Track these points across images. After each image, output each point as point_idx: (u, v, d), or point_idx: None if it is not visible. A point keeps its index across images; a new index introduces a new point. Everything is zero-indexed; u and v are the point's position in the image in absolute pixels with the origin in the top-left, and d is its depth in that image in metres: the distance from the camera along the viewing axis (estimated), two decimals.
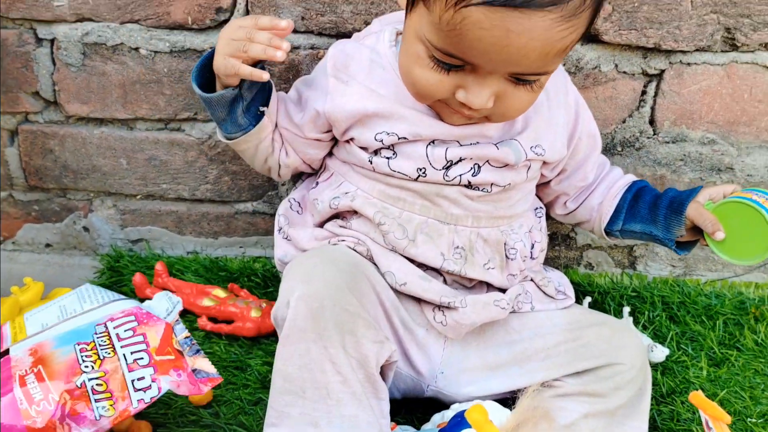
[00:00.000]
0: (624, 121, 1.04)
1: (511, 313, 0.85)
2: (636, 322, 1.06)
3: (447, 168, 0.79)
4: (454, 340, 0.84)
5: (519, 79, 0.70)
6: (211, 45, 1.02)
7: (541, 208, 0.94)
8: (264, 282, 1.12)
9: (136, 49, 1.03)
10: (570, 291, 0.92)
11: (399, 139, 0.79)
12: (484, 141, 0.79)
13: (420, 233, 0.82)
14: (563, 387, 0.81)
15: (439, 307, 0.82)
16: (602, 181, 0.93)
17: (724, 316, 1.08)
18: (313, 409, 0.71)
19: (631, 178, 0.93)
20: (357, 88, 0.80)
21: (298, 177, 1.00)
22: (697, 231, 0.86)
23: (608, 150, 1.06)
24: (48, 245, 1.22)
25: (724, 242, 0.82)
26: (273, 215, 1.16)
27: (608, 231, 0.93)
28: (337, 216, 0.87)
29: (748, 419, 0.89)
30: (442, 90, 0.72)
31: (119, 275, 1.14)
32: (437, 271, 0.84)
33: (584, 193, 0.93)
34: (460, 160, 0.79)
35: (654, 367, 0.97)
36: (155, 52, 1.03)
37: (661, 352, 0.98)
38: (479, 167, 0.80)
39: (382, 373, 0.78)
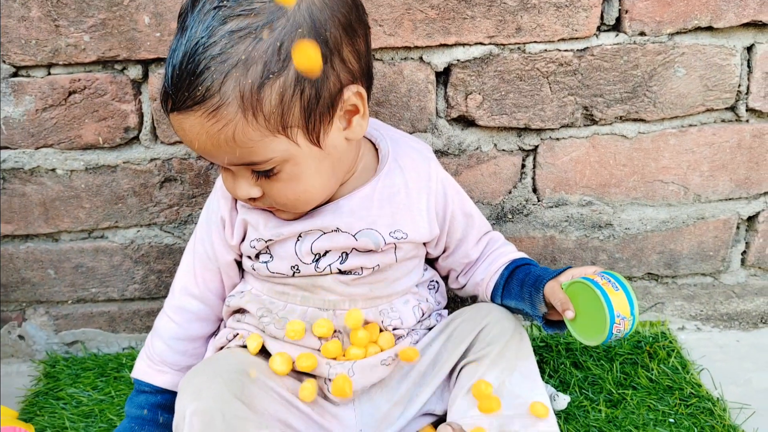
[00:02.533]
0: (510, 192, 1.15)
1: None
2: (542, 373, 1.15)
3: (316, 261, 0.89)
4: (361, 398, 0.92)
5: (255, 171, 0.79)
6: (124, 160, 1.10)
7: (437, 282, 1.03)
8: None
9: (53, 170, 1.10)
10: (444, 314, 1.03)
11: (266, 241, 0.89)
12: (344, 227, 0.88)
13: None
14: (455, 372, 0.93)
15: (330, 380, 0.90)
16: (487, 258, 1.02)
17: (621, 357, 1.18)
18: None
19: (514, 256, 1.01)
20: (240, 208, 0.91)
21: None
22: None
23: (500, 218, 1.17)
24: None
25: (577, 321, 0.87)
26: None
27: (495, 304, 1.01)
28: (236, 312, 0.97)
29: None
30: (230, 185, 0.83)
31: (55, 380, 1.18)
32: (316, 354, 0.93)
33: (471, 270, 1.03)
34: (327, 252, 0.89)
35: (558, 415, 1.06)
36: (71, 170, 1.10)
37: (563, 400, 1.07)
38: (347, 255, 0.89)
39: None
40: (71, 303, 1.22)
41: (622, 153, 1.12)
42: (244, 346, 0.92)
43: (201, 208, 1.14)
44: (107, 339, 1.25)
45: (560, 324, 0.95)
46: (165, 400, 0.96)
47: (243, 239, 0.92)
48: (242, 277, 0.99)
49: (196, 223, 1.14)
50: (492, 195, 1.15)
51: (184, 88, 0.72)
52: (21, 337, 1.25)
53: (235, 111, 0.73)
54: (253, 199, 0.83)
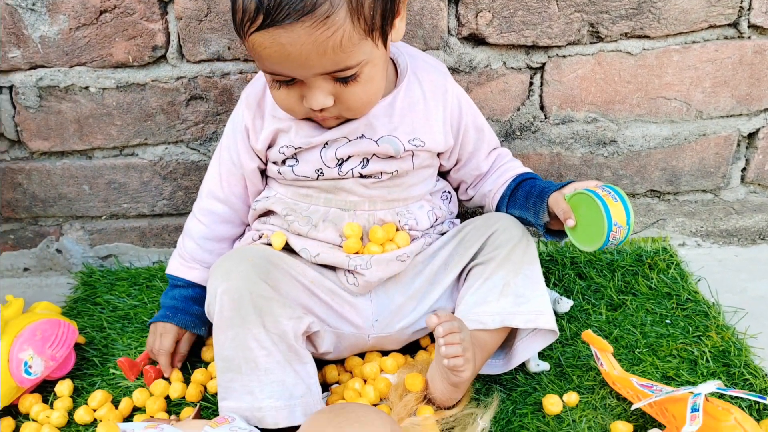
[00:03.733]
0: (518, 109, 1.20)
1: None
2: (547, 281, 1.22)
3: (340, 165, 0.95)
4: (378, 290, 1.00)
5: (338, 78, 0.84)
6: (152, 78, 1.16)
7: (449, 192, 1.10)
8: None
9: (86, 87, 1.17)
10: (456, 221, 1.09)
11: (296, 148, 0.95)
12: (368, 134, 0.94)
13: (323, 221, 0.98)
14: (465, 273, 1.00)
15: (349, 271, 0.97)
16: (495, 171, 1.08)
17: (623, 268, 1.24)
18: (249, 381, 0.87)
19: (520, 170, 1.08)
20: (268, 118, 0.97)
21: None
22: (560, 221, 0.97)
23: (509, 135, 1.22)
24: (26, 269, 1.35)
25: (577, 230, 0.94)
26: None
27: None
28: (262, 216, 1.05)
29: (636, 350, 1.06)
30: (292, 102, 0.88)
31: (92, 288, 1.27)
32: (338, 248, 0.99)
33: (480, 182, 1.09)
34: (349, 157, 0.95)
35: (561, 316, 1.13)
36: (103, 89, 1.17)
37: (566, 304, 1.14)
38: (368, 160, 0.96)
39: (312, 340, 0.95)
40: (105, 218, 1.30)
41: (626, 70, 1.16)
42: (269, 245, 1.00)
43: (225, 126, 1.20)
44: (138, 253, 1.34)
45: (560, 233, 1.02)
46: (196, 294, 1.05)
47: (270, 147, 0.99)
48: (265, 184, 1.06)
49: (220, 140, 1.21)
50: (501, 112, 1.20)
51: (287, 1, 0.75)
52: (59, 251, 1.34)
53: (344, 16, 0.77)
54: (317, 111, 0.87)
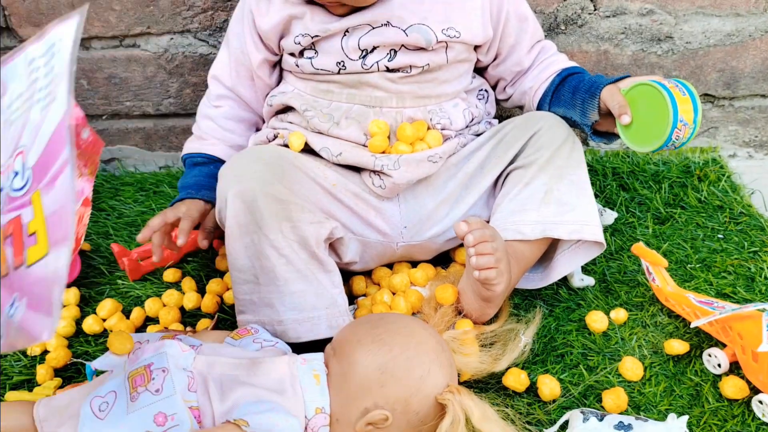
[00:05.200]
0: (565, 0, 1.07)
1: None
2: None
3: (363, 57, 0.84)
4: (407, 194, 0.90)
5: None
6: None
7: (486, 90, 0.98)
8: None
9: None
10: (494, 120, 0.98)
11: (313, 37, 0.84)
12: (395, 21, 0.83)
13: (345, 118, 0.88)
14: (503, 177, 0.90)
15: (375, 172, 0.87)
16: (538, 66, 0.97)
17: (670, 179, 1.15)
18: (268, 292, 0.79)
19: (566, 64, 0.96)
20: (277, 1, 0.86)
21: None
22: (614, 120, 0.87)
23: (552, 29, 1.10)
24: None
25: (631, 128, 0.83)
26: None
27: None
28: (279, 113, 0.94)
29: (688, 265, 0.98)
30: None
31: (95, 193, 1.18)
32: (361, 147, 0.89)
33: (520, 79, 0.98)
34: (375, 48, 0.84)
35: (605, 229, 1.05)
36: None
37: (610, 216, 1.06)
38: (395, 52, 0.85)
39: (335, 247, 0.86)
40: (106, 118, 1.20)
41: None
42: (285, 146, 0.89)
43: None
44: (144, 157, 1.24)
45: (607, 134, 0.92)
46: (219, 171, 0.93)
47: (283, 37, 0.88)
48: (280, 79, 0.95)
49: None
50: (546, 2, 1.07)
51: None
52: None
53: None
54: None
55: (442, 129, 0.90)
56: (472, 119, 0.94)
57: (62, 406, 0.65)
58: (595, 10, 1.08)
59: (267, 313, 0.80)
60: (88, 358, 0.89)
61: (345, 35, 0.84)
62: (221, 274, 1.00)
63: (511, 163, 0.90)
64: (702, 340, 0.86)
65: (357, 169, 0.89)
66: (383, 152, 0.87)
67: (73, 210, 0.44)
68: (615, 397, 0.78)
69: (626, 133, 0.85)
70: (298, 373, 0.64)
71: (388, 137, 0.88)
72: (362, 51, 0.85)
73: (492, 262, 0.76)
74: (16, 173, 0.46)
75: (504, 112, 1.13)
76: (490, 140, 0.92)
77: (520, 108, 1.02)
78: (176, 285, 0.99)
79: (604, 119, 0.89)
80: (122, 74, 1.14)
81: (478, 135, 0.95)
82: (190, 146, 0.98)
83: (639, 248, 0.90)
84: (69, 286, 0.98)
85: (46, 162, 0.45)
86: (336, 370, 0.65)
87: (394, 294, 0.92)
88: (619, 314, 0.90)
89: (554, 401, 0.79)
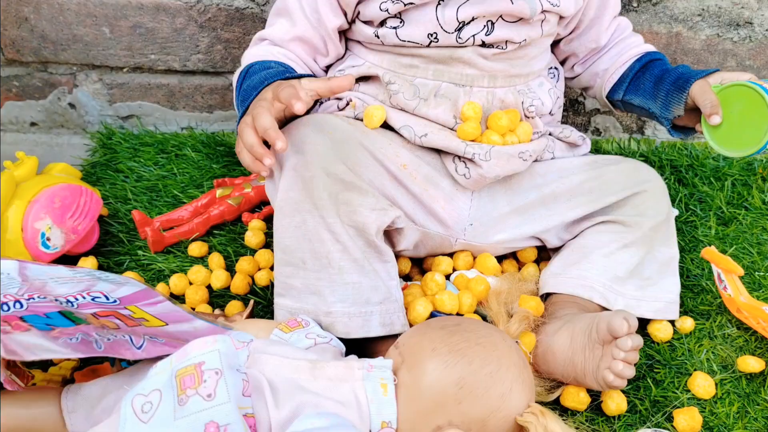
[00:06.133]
0: None
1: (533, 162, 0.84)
2: None
3: (459, 30, 0.75)
4: (482, 191, 0.82)
5: None
6: None
7: (555, 68, 0.90)
8: None
9: None
10: (587, 139, 0.90)
11: (406, 5, 0.74)
12: None
13: (434, 96, 0.79)
14: (592, 221, 0.82)
15: (461, 158, 0.79)
16: (614, 46, 0.88)
17: (731, 177, 1.07)
18: (317, 279, 0.71)
19: (647, 48, 0.88)
20: None
21: None
22: (696, 115, 0.81)
23: (624, 6, 1.01)
24: (33, 124, 1.16)
25: (719, 129, 0.76)
26: None
27: (610, 99, 0.90)
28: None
29: (756, 273, 0.91)
30: None
31: (113, 152, 1.09)
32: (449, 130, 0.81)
33: (593, 57, 0.89)
34: (473, 19, 0.75)
35: None
36: None
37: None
38: (493, 24, 0.76)
39: (390, 235, 0.78)
40: (127, 71, 1.10)
41: None
42: (358, 120, 0.80)
43: None
44: (165, 116, 1.14)
45: (685, 129, 0.84)
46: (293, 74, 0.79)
47: (360, 1, 0.77)
48: (345, 51, 0.85)
49: None
50: None
51: None
52: (72, 105, 1.14)
53: None
54: None
55: (535, 113, 0.82)
56: (557, 99, 0.86)
57: (93, 397, 0.58)
58: None
59: (313, 302, 0.72)
60: None
61: (440, 3, 0.74)
62: (252, 251, 0.92)
63: (604, 210, 0.82)
64: None
65: (437, 152, 0.80)
66: (473, 140, 0.78)
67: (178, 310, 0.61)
68: (689, 418, 0.71)
69: (713, 135, 0.77)
70: (364, 381, 0.56)
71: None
72: (460, 23, 0.75)
73: (632, 372, 0.68)
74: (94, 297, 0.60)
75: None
76: (586, 170, 0.84)
77: (585, 90, 0.94)
78: (202, 260, 0.91)
79: (688, 114, 0.81)
80: (148, 24, 1.04)
81: (563, 141, 0.87)
82: (253, 54, 0.81)
83: (710, 253, 0.83)
84: (86, 255, 0.90)
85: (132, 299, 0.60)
86: (406, 381, 0.58)
87: (448, 278, 0.84)
88: (686, 323, 0.83)
89: (619, 417, 0.73)
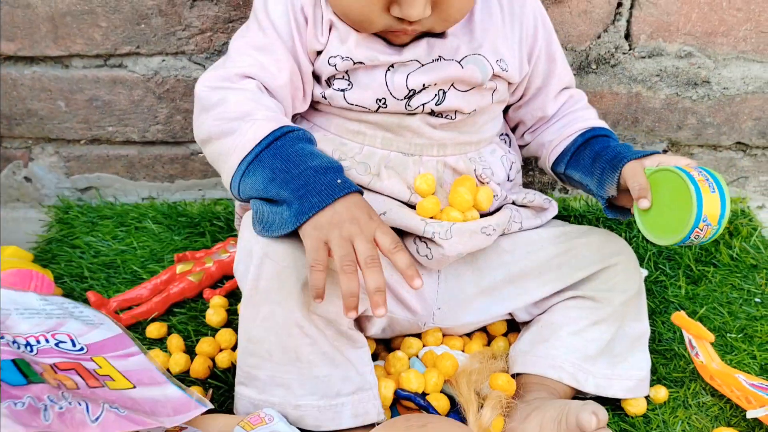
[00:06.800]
0: (599, 37, 0.99)
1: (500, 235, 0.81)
2: None
3: (409, 97, 0.73)
4: (448, 272, 0.80)
5: None
6: None
7: (507, 134, 0.88)
8: (227, 225, 1.06)
9: None
10: (553, 202, 0.88)
11: (355, 63, 0.71)
12: (447, 54, 0.73)
13: (384, 167, 0.76)
14: (561, 296, 0.80)
15: (422, 238, 0.76)
16: (562, 118, 0.86)
17: None
18: (284, 372, 0.68)
19: (593, 123, 0.85)
20: (326, 11, 0.72)
21: None
22: (632, 198, 0.77)
23: (583, 68, 1.01)
24: None
25: (649, 214, 0.73)
26: None
27: (554, 171, 0.88)
28: None
29: (728, 335, 0.90)
30: (375, 11, 0.66)
31: (70, 227, 1.06)
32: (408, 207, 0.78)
33: (541, 127, 0.87)
34: (423, 88, 0.73)
35: None
36: None
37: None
38: (444, 94, 0.74)
39: (360, 321, 0.75)
40: (85, 143, 1.07)
41: None
42: None
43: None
44: (125, 186, 1.12)
45: (623, 210, 0.81)
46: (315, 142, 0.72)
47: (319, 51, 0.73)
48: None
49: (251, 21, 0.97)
50: (578, 39, 0.99)
51: None
52: (27, 179, 1.11)
53: None
54: (407, 24, 0.67)
55: (489, 179, 0.79)
56: (510, 167, 0.83)
57: None
58: (630, 49, 1.00)
59: (280, 394, 0.68)
60: None
61: (390, 69, 0.72)
62: (213, 330, 0.89)
63: (574, 286, 0.80)
64: (753, 426, 0.77)
65: (399, 232, 0.76)
66: (433, 216, 0.75)
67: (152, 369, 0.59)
68: None
69: (642, 219, 0.75)
70: None
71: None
72: (410, 90, 0.73)
73: None
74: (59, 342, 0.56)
75: None
76: (554, 244, 0.82)
77: (535, 160, 0.93)
78: (161, 342, 0.88)
79: (623, 194, 0.78)
80: (105, 97, 1.02)
81: (527, 207, 0.84)
82: (264, 127, 0.67)
83: (680, 318, 0.82)
84: None
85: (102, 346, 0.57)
86: None
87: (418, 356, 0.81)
88: (659, 393, 0.81)
89: None
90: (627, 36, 0.99)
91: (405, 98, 0.73)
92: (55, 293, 0.91)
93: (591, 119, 0.86)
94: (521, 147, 0.91)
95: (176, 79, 1.01)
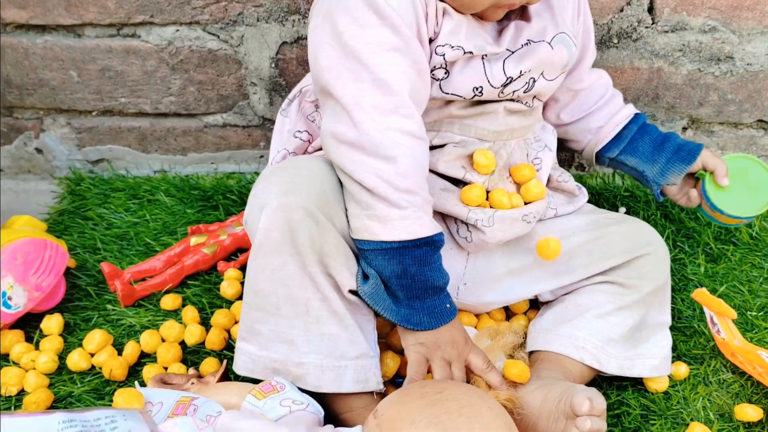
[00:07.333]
0: (622, 10, 0.97)
1: None
2: None
3: (505, 85, 0.72)
4: (479, 251, 0.79)
5: None
6: None
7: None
8: (240, 198, 1.05)
9: None
10: (583, 188, 0.88)
11: (465, 53, 0.69)
12: (535, 36, 0.72)
13: (452, 146, 0.75)
14: (590, 280, 0.80)
15: (466, 223, 0.75)
16: (605, 105, 0.87)
17: None
18: (290, 327, 0.67)
19: (633, 109, 0.88)
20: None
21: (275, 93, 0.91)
22: (684, 185, 0.86)
23: (604, 43, 0.99)
24: None
25: (721, 192, 0.83)
26: (245, 127, 1.07)
27: (599, 155, 0.89)
28: None
29: (748, 312, 0.89)
30: None
31: (82, 199, 1.05)
32: (457, 184, 0.77)
33: (580, 111, 0.88)
34: (520, 74, 0.72)
35: None
36: None
37: None
38: (534, 82, 0.74)
39: None
40: (96, 114, 1.06)
41: None
42: None
43: (255, 5, 0.95)
44: (137, 159, 1.11)
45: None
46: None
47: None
48: None
49: (247, 25, 0.96)
50: (600, 12, 0.97)
51: None
52: (39, 150, 1.10)
53: None
54: None
55: (539, 165, 0.80)
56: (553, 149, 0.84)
57: None
58: (653, 23, 0.98)
59: (283, 351, 0.67)
60: (72, 401, 0.76)
61: (485, 57, 0.71)
62: (229, 303, 0.88)
63: (604, 272, 0.80)
64: None
65: (441, 215, 0.77)
66: (478, 205, 0.75)
67: None
68: None
69: (715, 196, 0.84)
70: None
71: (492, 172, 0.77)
72: (507, 78, 0.71)
73: None
74: None
75: None
76: (586, 231, 0.81)
77: (566, 143, 0.91)
78: (175, 313, 0.87)
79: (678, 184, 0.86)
80: (118, 67, 1.00)
81: (560, 189, 0.84)
82: (422, 224, 0.65)
83: (702, 295, 0.80)
84: (51, 311, 0.85)
85: None
86: None
87: None
88: (680, 369, 0.80)
89: None
90: (650, 9, 0.97)
91: (501, 86, 0.72)
92: (69, 263, 0.90)
93: (626, 105, 0.89)
94: (556, 126, 0.90)
95: (190, 50, 0.99)
